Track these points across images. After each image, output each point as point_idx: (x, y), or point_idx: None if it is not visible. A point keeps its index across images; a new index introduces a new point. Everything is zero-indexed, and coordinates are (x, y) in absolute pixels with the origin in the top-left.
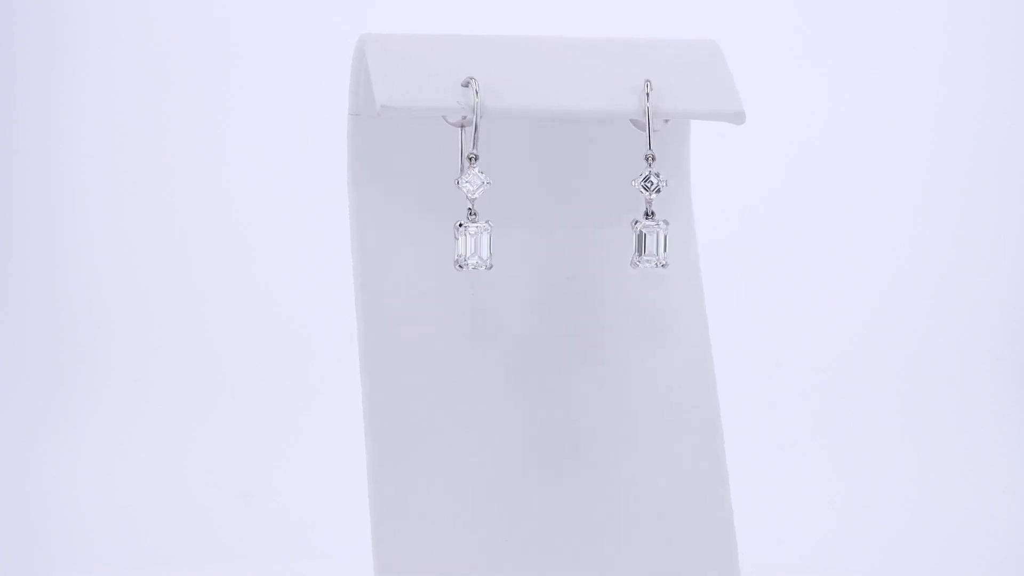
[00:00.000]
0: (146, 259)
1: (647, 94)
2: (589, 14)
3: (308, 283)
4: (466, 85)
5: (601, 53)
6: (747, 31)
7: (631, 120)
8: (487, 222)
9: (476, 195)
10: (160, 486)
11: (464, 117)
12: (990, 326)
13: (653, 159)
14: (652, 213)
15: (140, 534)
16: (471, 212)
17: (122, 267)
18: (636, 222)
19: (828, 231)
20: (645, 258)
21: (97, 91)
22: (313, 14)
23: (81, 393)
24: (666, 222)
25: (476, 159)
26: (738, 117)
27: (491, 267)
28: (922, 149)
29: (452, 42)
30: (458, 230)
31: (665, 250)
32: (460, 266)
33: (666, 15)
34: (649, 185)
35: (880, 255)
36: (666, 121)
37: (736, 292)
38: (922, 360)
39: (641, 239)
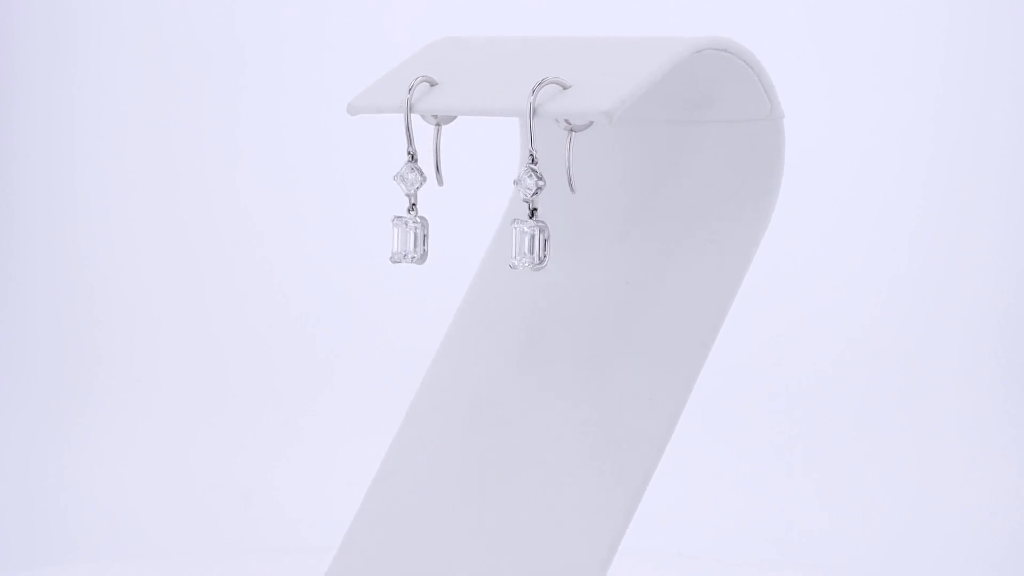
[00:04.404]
0: (149, 261)
1: (532, 91)
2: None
3: (308, 283)
4: (433, 85)
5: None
6: (747, 32)
7: (558, 122)
8: (420, 218)
9: (411, 191)
10: (162, 485)
11: (435, 117)
12: (990, 326)
13: (533, 160)
14: (534, 211)
15: (141, 533)
16: (412, 207)
17: (125, 268)
18: (514, 221)
19: (828, 231)
20: (518, 259)
21: (100, 91)
22: (318, 13)
23: (83, 393)
24: (543, 223)
25: (414, 157)
26: (604, 117)
27: (423, 262)
28: (922, 149)
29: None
30: (395, 222)
31: (544, 251)
32: (394, 261)
33: (667, 17)
34: (527, 185)
35: (880, 255)
36: (591, 122)
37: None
38: (922, 360)
39: (514, 238)
